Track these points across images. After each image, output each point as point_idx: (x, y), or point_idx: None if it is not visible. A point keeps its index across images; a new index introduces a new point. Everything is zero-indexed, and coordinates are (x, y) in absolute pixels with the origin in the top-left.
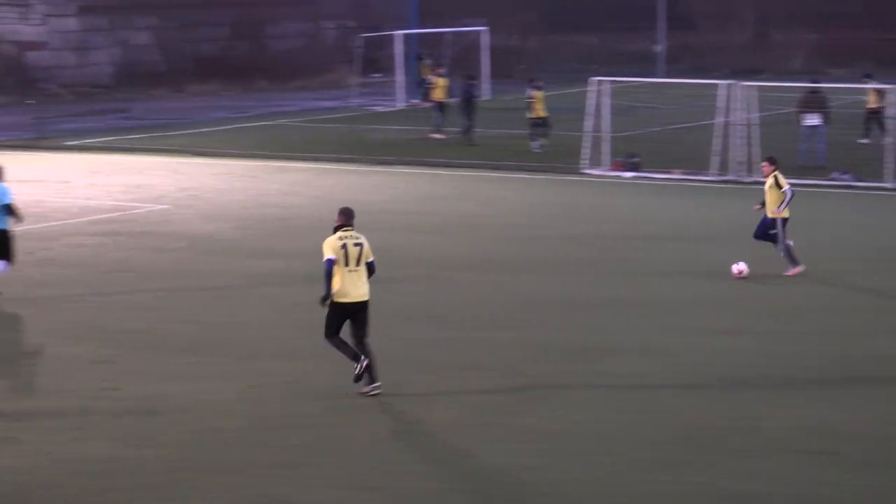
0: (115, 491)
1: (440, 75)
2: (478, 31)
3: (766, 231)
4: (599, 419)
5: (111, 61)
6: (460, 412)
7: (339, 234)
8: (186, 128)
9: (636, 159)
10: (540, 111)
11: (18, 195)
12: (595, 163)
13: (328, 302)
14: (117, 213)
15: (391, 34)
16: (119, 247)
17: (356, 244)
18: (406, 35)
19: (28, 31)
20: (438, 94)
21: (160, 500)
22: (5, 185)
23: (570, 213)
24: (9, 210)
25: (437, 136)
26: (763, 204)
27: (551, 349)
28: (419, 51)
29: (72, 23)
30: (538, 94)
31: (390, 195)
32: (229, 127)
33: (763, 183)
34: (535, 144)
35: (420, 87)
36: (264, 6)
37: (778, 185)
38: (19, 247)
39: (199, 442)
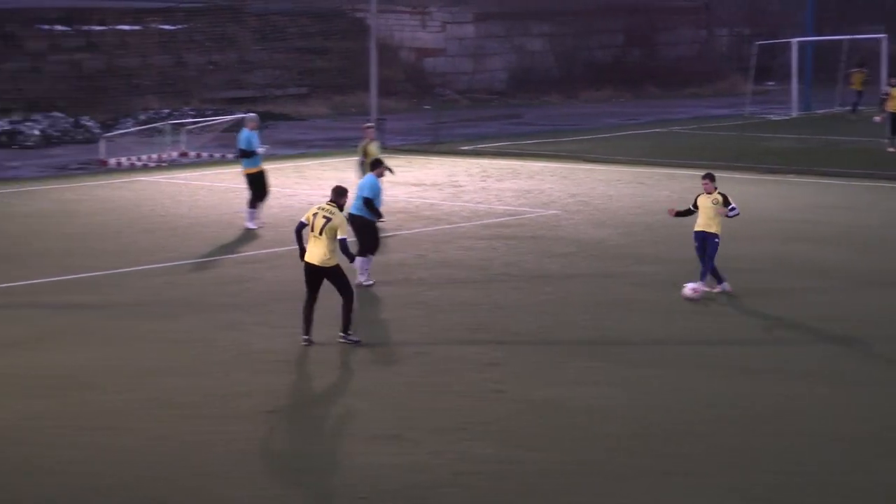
0: (502, 494)
1: (895, 85)
2: (877, 39)
3: None
4: None
5: (506, 67)
6: (863, 426)
7: (318, 205)
8: (577, 134)
9: None
10: None
11: (413, 198)
12: None
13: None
14: (507, 218)
15: (787, 41)
16: (509, 251)
17: (325, 217)
18: (802, 42)
19: (427, 37)
20: (894, 105)
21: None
22: (377, 180)
23: None
24: (367, 203)
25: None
26: None
27: None
28: (860, 60)
29: (469, 30)
30: None
31: (780, 204)
32: (620, 133)
33: None
34: None
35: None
36: (657, 13)
37: None
38: (413, 249)
39: (587, 446)
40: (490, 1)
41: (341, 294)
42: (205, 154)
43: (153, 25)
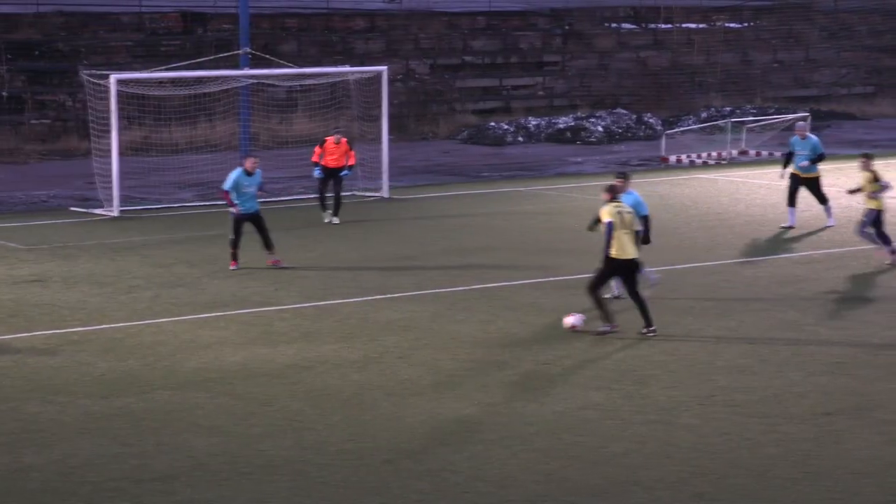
0: None
1: None
2: None
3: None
4: None
5: None
6: None
7: (612, 204)
8: None
9: None
10: None
11: None
12: None
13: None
14: None
15: None
16: None
17: (628, 212)
18: None
19: None
20: None
21: None
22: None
23: None
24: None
25: None
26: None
27: None
28: None
29: None
30: None
31: None
32: None
33: None
34: None
35: None
36: None
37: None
38: None
39: None
40: None
41: (637, 291)
42: (764, 153)
43: (719, 23)
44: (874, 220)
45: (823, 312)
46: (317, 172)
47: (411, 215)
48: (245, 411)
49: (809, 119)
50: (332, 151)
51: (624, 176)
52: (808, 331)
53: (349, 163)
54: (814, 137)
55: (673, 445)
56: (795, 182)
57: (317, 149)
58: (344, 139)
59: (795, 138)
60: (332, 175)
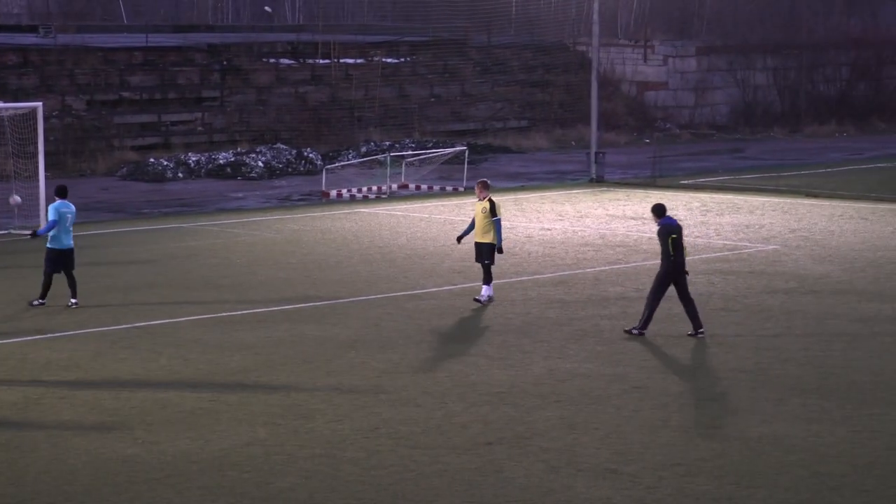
0: None
1: None
2: None
3: None
4: None
5: (728, 101)
6: None
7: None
8: (800, 168)
9: None
10: None
11: (632, 232)
12: None
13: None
14: (727, 252)
15: None
16: (728, 285)
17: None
18: None
19: (649, 71)
20: None
21: None
22: None
23: None
24: None
25: None
26: None
27: None
28: None
29: (691, 63)
30: None
31: None
32: (843, 168)
33: None
34: None
35: None
36: (885, 46)
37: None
38: (632, 283)
39: (806, 485)
40: (713, 34)
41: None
42: (424, 186)
43: (377, 59)
44: None
45: (484, 344)
46: None
47: None
48: None
49: (466, 152)
50: None
51: None
52: (470, 362)
53: None
54: None
55: (339, 479)
56: None
57: None
58: None
59: None
60: None
